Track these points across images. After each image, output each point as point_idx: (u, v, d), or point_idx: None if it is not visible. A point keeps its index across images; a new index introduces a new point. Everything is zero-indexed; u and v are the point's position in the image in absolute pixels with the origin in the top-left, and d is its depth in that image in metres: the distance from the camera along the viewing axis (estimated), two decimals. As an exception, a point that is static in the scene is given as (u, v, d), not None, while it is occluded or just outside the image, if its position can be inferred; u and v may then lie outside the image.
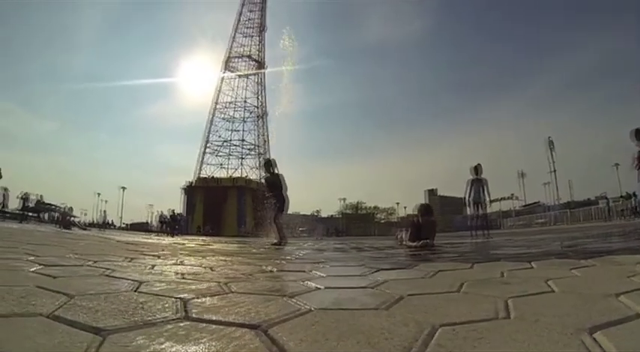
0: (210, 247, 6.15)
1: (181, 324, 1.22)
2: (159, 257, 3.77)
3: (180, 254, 4.33)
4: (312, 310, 1.42)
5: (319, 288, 1.96)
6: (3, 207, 16.64)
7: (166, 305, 1.49)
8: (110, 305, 1.45)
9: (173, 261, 3.38)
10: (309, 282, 2.16)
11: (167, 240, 8.55)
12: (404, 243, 5.90)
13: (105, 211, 31.20)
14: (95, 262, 2.83)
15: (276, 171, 7.91)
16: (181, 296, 1.68)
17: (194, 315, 1.34)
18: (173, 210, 24.70)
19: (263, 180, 8.32)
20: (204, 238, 15.98)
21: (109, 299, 1.58)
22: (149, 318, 1.28)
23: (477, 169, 9.00)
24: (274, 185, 7.75)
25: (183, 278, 2.35)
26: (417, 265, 2.95)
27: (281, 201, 7.59)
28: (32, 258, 2.74)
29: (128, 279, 2.15)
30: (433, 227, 5.84)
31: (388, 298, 1.62)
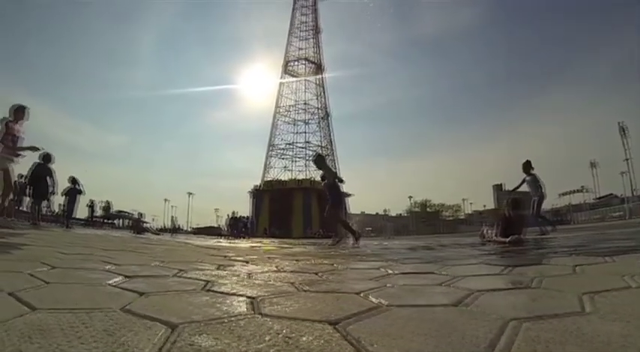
0: (292, 250, 5.68)
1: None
2: (248, 262, 3.30)
3: (268, 257, 3.84)
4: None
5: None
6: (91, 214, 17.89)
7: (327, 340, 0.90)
8: (237, 342, 0.90)
9: (269, 267, 2.86)
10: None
11: (242, 242, 8.32)
12: (493, 238, 5.72)
13: (175, 217, 32.68)
14: (183, 271, 2.37)
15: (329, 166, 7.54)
16: (330, 318, 1.18)
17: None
18: (234, 212, 25.15)
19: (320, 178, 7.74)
20: (273, 240, 15.84)
21: (229, 328, 1.04)
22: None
23: (526, 166, 8.66)
24: (335, 186, 7.50)
25: (303, 289, 1.84)
26: (549, 261, 2.73)
27: (338, 196, 7.34)
28: (110, 266, 2.34)
29: (236, 295, 1.63)
30: (523, 221, 5.81)
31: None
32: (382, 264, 3.08)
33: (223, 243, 8.49)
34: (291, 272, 2.67)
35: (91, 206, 17.06)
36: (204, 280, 2.06)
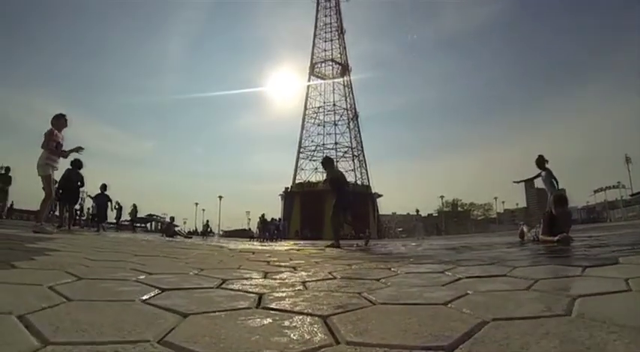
0: (333, 253, 5.31)
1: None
2: (295, 268, 2.96)
3: (315, 262, 3.49)
4: None
5: None
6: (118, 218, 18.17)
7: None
8: None
9: (322, 274, 2.52)
10: None
11: (277, 245, 8.05)
12: (540, 238, 5.44)
13: (208, 220, 32.72)
14: (227, 281, 2.06)
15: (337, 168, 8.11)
16: (442, 344, 0.96)
17: None
18: (263, 215, 24.94)
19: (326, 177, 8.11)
20: (306, 242, 15.52)
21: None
22: None
23: (539, 161, 8.42)
24: (339, 181, 7.73)
25: (379, 302, 1.50)
26: (625, 259, 2.47)
27: (345, 198, 7.59)
28: (143, 276, 2.04)
29: (302, 313, 1.33)
30: (568, 218, 5.64)
31: None
32: (440, 266, 2.80)
33: (258, 246, 8.23)
34: (349, 278, 2.34)
35: (119, 210, 17.28)
36: (255, 293, 1.73)
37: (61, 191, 9.32)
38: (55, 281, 1.68)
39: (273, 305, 1.45)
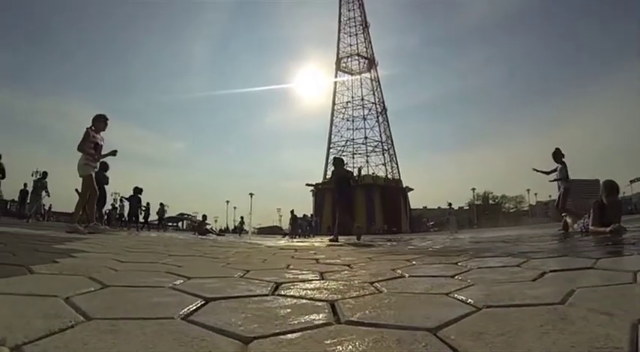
0: (378, 249, 4.90)
1: None
2: (350, 266, 2.60)
3: (368, 258, 3.09)
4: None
5: None
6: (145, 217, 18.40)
7: None
8: None
9: (389, 273, 2.11)
10: None
11: (314, 241, 7.75)
12: (588, 228, 5.29)
13: (243, 217, 32.44)
14: (282, 286, 1.71)
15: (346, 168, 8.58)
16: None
17: None
18: (292, 211, 24.64)
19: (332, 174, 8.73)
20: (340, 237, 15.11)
21: None
22: None
23: (556, 154, 8.44)
24: (345, 180, 8.18)
25: (486, 305, 1.21)
26: None
27: (346, 197, 8.12)
28: (180, 281, 1.71)
29: (403, 328, 0.91)
30: (619, 208, 5.48)
31: None
32: (510, 259, 2.54)
33: (295, 242, 7.94)
34: (418, 276, 1.99)
35: (146, 210, 17.40)
36: (322, 300, 1.37)
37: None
38: (74, 290, 1.36)
39: (356, 318, 1.08)
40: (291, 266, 2.56)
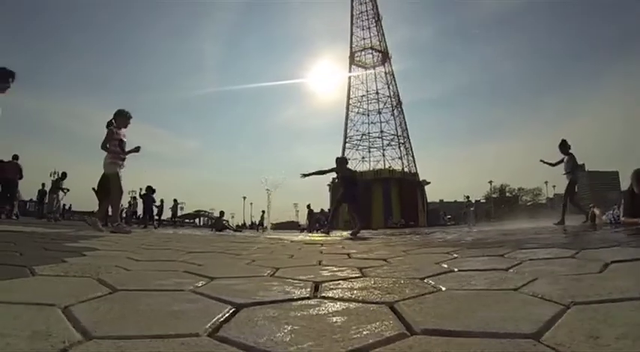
0: (402, 239, 4.63)
1: None
2: (386, 260, 2.35)
3: (402, 251, 2.83)
4: None
5: None
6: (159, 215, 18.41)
7: None
8: None
9: (431, 267, 1.85)
10: None
11: (335, 235, 7.52)
12: (620, 220, 5.01)
13: (264, 211, 32.06)
14: (322, 285, 1.46)
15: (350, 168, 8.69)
16: None
17: None
18: (308, 206, 24.29)
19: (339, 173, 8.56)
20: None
21: None
22: None
23: (563, 146, 8.30)
24: (351, 179, 8.29)
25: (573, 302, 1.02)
26: None
27: (352, 193, 8.12)
28: (202, 283, 1.47)
29: (497, 336, 0.63)
30: None
31: None
32: (560, 251, 2.32)
33: (316, 237, 7.71)
34: (471, 271, 1.76)
35: (160, 207, 17.33)
36: (377, 302, 1.12)
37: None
38: (76, 296, 1.13)
39: (432, 326, 0.84)
40: (323, 262, 2.31)
